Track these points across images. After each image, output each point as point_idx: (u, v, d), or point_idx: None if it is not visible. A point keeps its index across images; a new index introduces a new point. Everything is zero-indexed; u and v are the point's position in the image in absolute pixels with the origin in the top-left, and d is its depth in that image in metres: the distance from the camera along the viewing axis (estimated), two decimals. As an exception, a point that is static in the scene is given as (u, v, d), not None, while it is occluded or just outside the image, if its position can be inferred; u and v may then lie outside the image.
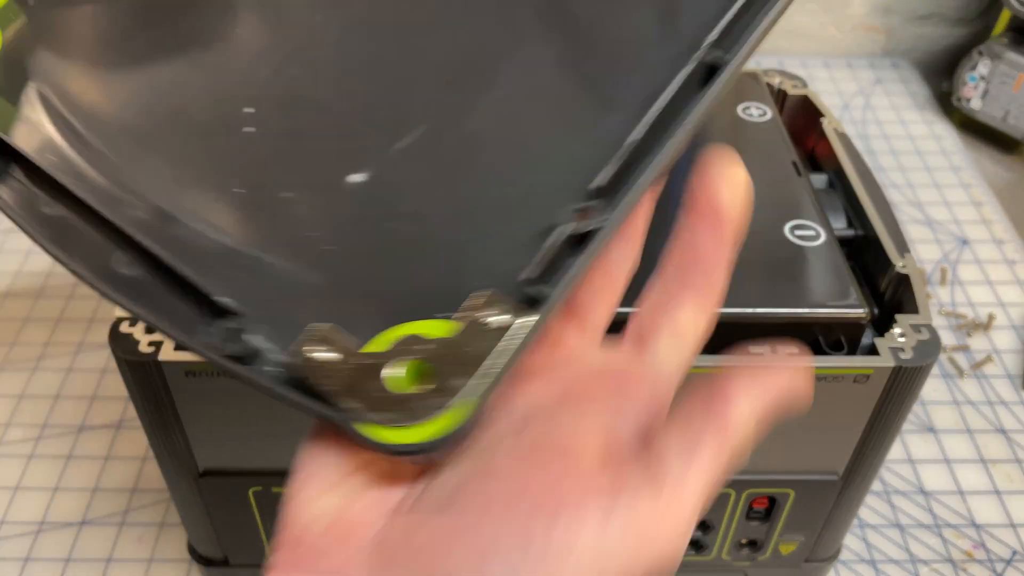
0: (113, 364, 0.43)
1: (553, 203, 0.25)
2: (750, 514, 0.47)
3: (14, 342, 0.68)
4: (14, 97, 0.27)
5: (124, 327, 0.39)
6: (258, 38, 0.30)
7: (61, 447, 0.60)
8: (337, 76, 0.29)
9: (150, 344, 0.38)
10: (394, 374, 0.23)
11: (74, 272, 0.25)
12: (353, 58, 0.29)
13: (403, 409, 0.22)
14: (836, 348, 0.41)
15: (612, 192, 0.24)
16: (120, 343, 0.39)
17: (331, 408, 0.23)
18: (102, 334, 0.68)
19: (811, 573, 0.51)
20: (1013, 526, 0.56)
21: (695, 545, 0.49)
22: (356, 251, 0.26)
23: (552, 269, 0.24)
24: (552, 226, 0.24)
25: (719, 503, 0.46)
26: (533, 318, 0.23)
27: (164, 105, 0.28)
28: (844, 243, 0.47)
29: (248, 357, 0.24)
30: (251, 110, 0.28)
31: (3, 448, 0.60)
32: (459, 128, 0.27)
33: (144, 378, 0.39)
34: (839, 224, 0.49)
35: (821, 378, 0.39)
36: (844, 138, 0.53)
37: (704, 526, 0.48)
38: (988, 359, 0.66)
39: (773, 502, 0.46)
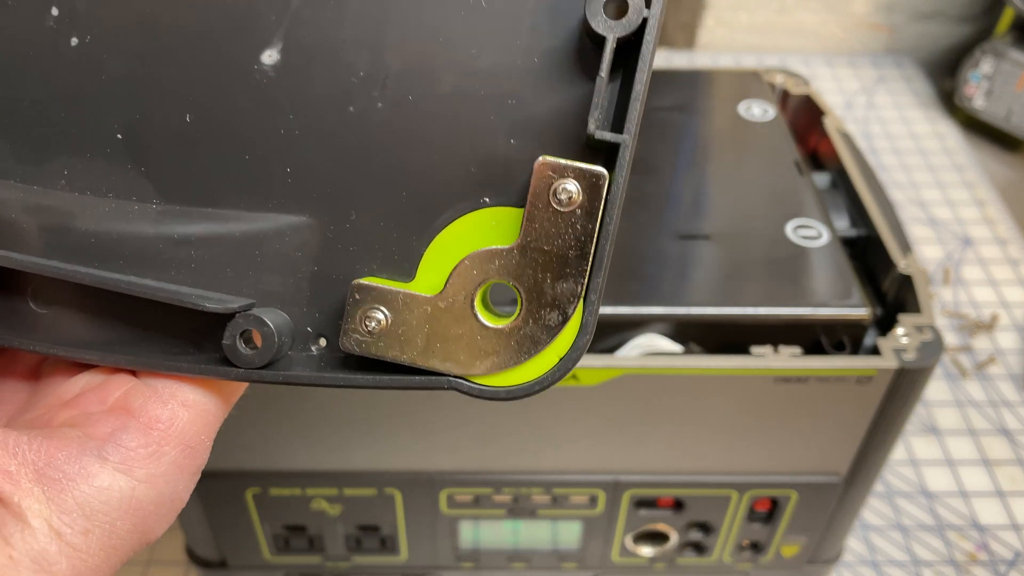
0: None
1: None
2: (752, 516, 0.47)
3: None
4: None
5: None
6: None
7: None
8: None
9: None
10: (484, 309, 0.20)
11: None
12: None
13: (508, 346, 0.20)
14: (839, 348, 0.41)
15: None
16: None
17: (420, 375, 0.20)
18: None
19: (813, 575, 0.51)
20: (1016, 528, 0.56)
21: (697, 547, 0.49)
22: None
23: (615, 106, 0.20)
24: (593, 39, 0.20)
25: (720, 505, 0.46)
26: (615, 175, 0.19)
27: None
28: (846, 243, 0.47)
29: (277, 356, 0.21)
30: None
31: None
32: None
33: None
34: (841, 224, 0.49)
35: (823, 379, 0.39)
36: (846, 137, 0.53)
37: (706, 528, 0.48)
38: (991, 360, 0.66)
39: (775, 504, 0.46)
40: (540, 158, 0.20)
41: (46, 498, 0.21)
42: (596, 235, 0.19)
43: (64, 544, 0.21)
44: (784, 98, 0.58)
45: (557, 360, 0.20)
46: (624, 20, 0.19)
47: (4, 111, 0.22)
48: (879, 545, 0.55)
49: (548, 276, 0.20)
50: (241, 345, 0.22)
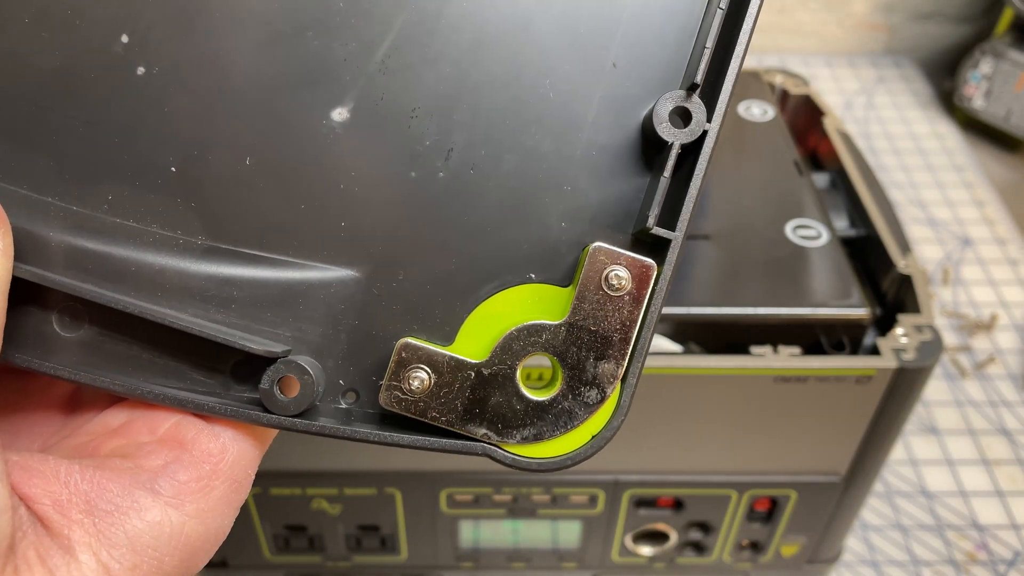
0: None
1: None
2: (752, 515, 0.47)
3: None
4: None
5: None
6: None
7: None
8: None
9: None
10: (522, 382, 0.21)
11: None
12: None
13: (546, 419, 0.21)
14: (838, 348, 0.41)
15: (711, 88, 0.21)
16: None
17: (456, 439, 0.21)
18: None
19: (813, 575, 0.51)
20: (1015, 527, 0.56)
21: (696, 547, 0.49)
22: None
23: (669, 201, 0.21)
24: (656, 143, 0.21)
25: (720, 504, 0.46)
26: (663, 268, 0.21)
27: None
28: (846, 243, 0.47)
29: (311, 406, 0.21)
30: None
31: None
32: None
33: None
34: (841, 224, 0.49)
35: (823, 379, 0.39)
36: (846, 137, 0.53)
37: (705, 528, 0.48)
38: (991, 359, 0.66)
39: (775, 503, 0.46)
40: (595, 244, 0.21)
41: (96, 530, 0.20)
42: (641, 322, 0.21)
43: None
44: (784, 98, 0.58)
45: (590, 437, 0.21)
46: (687, 129, 0.21)
47: (55, 128, 0.22)
48: (879, 545, 0.55)
49: (591, 355, 0.21)
50: (278, 391, 0.22)
